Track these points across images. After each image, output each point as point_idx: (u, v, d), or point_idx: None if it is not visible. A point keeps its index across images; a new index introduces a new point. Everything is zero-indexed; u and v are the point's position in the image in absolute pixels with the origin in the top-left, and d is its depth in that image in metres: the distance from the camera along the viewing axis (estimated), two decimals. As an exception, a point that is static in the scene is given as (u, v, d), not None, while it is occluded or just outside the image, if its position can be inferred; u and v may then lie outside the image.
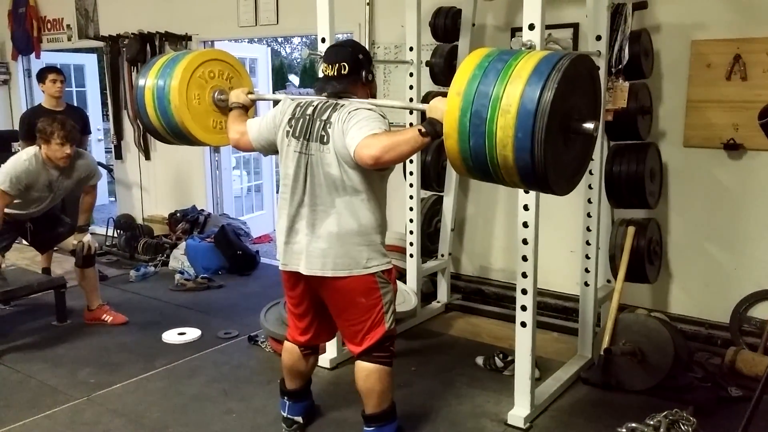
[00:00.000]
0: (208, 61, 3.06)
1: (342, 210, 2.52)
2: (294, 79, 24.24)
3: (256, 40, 6.74)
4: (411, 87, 4.14)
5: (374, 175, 2.51)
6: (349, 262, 2.54)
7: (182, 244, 5.74)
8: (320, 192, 2.53)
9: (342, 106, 2.52)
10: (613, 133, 3.69)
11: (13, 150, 6.19)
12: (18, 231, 4.13)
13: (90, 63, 8.24)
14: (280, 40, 24.11)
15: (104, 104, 8.03)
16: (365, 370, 2.65)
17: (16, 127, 5.71)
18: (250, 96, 2.99)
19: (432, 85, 4.51)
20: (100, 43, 6.72)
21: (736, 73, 3.61)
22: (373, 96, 2.74)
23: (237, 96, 2.97)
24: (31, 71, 7.26)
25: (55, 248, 4.62)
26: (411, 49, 4.11)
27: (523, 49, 2.49)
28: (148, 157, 6.70)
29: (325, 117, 2.52)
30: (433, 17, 4.43)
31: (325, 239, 2.53)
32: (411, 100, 4.13)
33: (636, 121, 3.61)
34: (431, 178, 4.45)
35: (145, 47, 6.23)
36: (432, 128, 2.24)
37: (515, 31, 4.30)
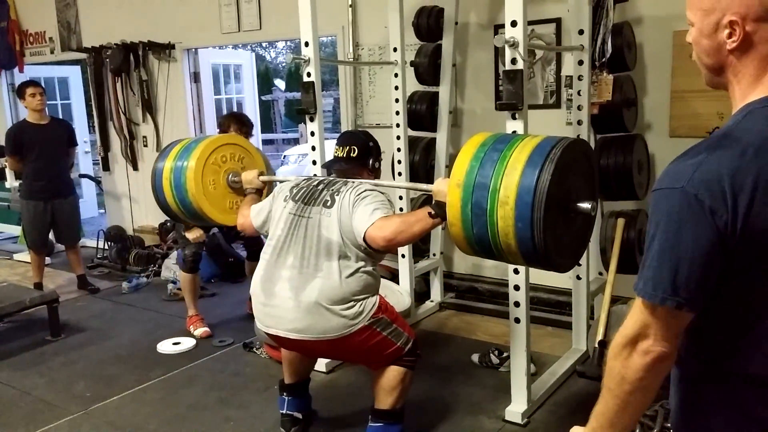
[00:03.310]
0: (219, 147, 3.15)
1: (330, 275, 2.47)
2: (280, 83, 24.19)
3: (240, 46, 6.71)
4: (396, 87, 4.14)
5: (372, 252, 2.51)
6: (337, 325, 2.47)
7: (174, 254, 5.71)
8: (309, 255, 2.51)
9: (352, 183, 2.60)
10: (599, 126, 3.70)
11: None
12: None
13: (74, 75, 8.19)
14: (264, 45, 24.12)
15: (90, 116, 7.99)
16: (391, 370, 2.64)
17: (2, 143, 5.68)
18: (261, 178, 3.08)
19: (417, 85, 4.51)
20: (83, 55, 6.69)
21: (719, 62, 3.63)
22: None
23: (250, 181, 3.08)
24: (15, 85, 7.21)
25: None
26: (395, 49, 4.12)
27: (516, 133, 2.62)
28: (135, 168, 6.68)
29: (334, 188, 2.60)
30: (416, 17, 4.43)
31: (310, 303, 2.46)
32: (396, 101, 4.14)
33: (621, 113, 3.63)
34: (420, 176, 4.44)
35: (128, 57, 6.21)
36: (440, 210, 2.32)
37: (498, 28, 4.31)
